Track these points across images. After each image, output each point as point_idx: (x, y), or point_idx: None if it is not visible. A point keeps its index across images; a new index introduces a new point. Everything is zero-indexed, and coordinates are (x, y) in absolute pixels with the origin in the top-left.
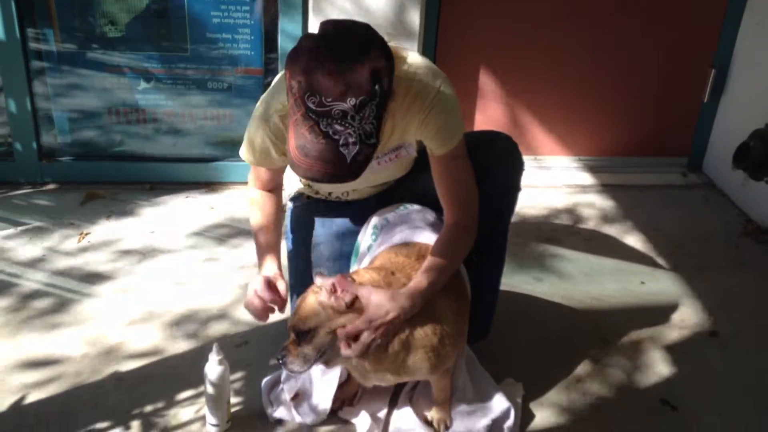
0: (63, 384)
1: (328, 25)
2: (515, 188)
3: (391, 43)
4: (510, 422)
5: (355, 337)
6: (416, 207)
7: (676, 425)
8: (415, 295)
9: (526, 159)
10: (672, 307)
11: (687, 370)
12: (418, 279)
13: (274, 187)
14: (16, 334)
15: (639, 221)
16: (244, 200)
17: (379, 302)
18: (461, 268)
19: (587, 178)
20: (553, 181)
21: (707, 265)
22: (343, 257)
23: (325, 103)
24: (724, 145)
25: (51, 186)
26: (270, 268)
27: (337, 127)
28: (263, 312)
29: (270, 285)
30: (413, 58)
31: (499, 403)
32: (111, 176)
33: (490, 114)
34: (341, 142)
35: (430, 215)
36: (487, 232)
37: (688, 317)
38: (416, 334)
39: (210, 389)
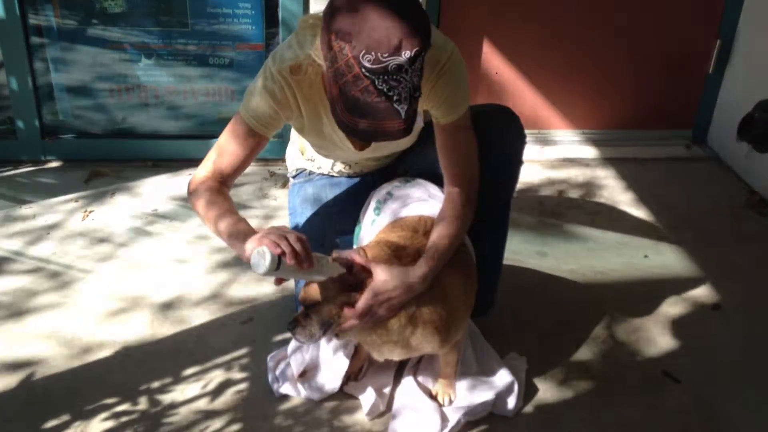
0: (71, 360)
1: None
2: (517, 161)
3: None
4: (514, 396)
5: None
6: (419, 180)
7: (679, 398)
8: (425, 273)
9: (529, 133)
10: (675, 281)
11: (690, 344)
12: (426, 256)
13: (230, 181)
14: (22, 311)
15: (643, 195)
16: (189, 189)
17: (387, 278)
18: (467, 240)
19: (591, 152)
20: (557, 155)
21: (711, 239)
22: (347, 231)
23: (382, 59)
24: (728, 117)
25: (54, 164)
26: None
27: (393, 83)
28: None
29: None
30: None
31: (502, 377)
32: (114, 154)
33: (492, 88)
34: (395, 98)
35: (433, 188)
36: (490, 204)
37: (691, 291)
38: (424, 310)
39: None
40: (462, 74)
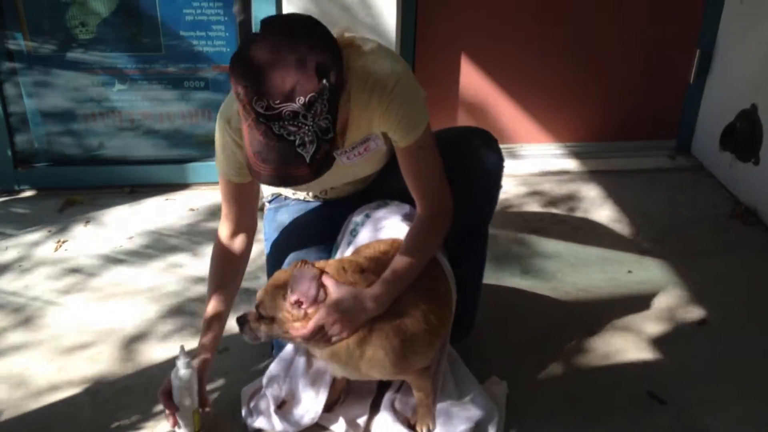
0: (38, 398)
1: (267, 24)
2: (496, 186)
3: (348, 34)
4: (494, 424)
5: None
6: (397, 203)
7: (666, 420)
8: (379, 294)
9: (510, 148)
10: (659, 296)
11: (676, 361)
12: (384, 277)
13: (246, 226)
14: None
15: (626, 207)
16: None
17: (340, 298)
18: (446, 267)
19: (573, 165)
20: (538, 169)
21: (696, 250)
22: (324, 257)
23: (274, 106)
24: (711, 127)
25: (28, 193)
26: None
27: (291, 128)
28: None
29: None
30: (370, 46)
31: (482, 404)
32: (89, 181)
33: (470, 104)
34: (297, 142)
35: (409, 210)
36: (468, 230)
37: (675, 306)
38: (374, 334)
39: (176, 395)
40: (414, 94)
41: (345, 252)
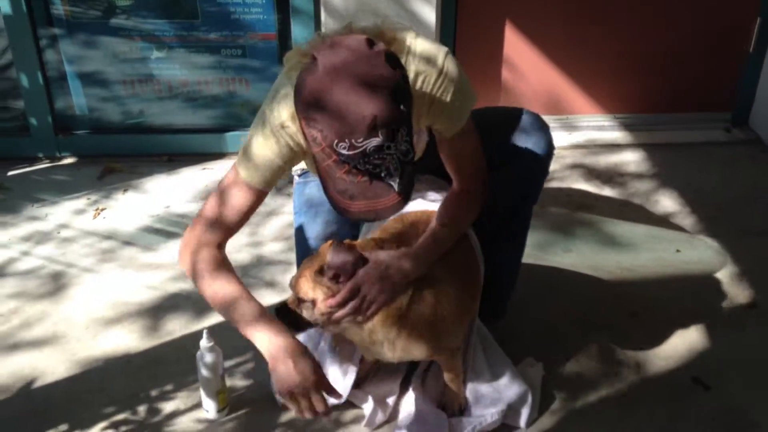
0: (72, 367)
1: (325, 56)
2: (543, 173)
3: (387, 28)
4: (527, 407)
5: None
6: (428, 176)
7: (709, 407)
8: (418, 255)
9: (556, 119)
10: (708, 277)
11: (722, 346)
12: (421, 241)
13: (228, 239)
14: (27, 313)
15: (677, 183)
16: (186, 265)
17: (378, 259)
18: (475, 243)
19: (623, 138)
20: (587, 142)
21: (749, 230)
22: (350, 234)
23: (357, 145)
24: None
25: (69, 160)
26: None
27: (376, 161)
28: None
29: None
30: (411, 40)
31: (515, 386)
32: (128, 149)
33: (518, 75)
34: (383, 173)
35: (440, 184)
36: (510, 215)
37: (725, 288)
38: (412, 313)
39: (201, 376)
40: (460, 83)
41: (373, 225)
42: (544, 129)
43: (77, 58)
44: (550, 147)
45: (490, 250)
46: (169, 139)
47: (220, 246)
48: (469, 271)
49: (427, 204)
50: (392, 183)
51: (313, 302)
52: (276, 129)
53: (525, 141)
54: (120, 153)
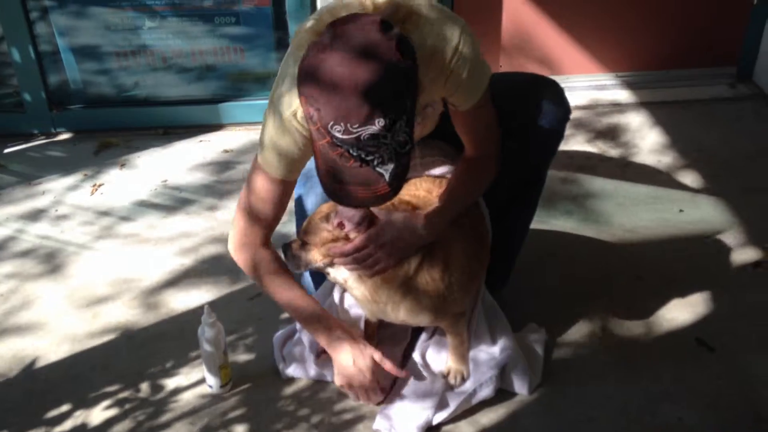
0: (73, 345)
1: (337, 33)
2: (558, 138)
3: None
4: (519, 372)
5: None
6: (438, 142)
7: (713, 368)
8: (432, 222)
9: (560, 79)
10: (712, 237)
11: (727, 307)
12: (436, 207)
13: (271, 232)
14: (26, 292)
15: (680, 141)
16: (242, 267)
17: (391, 220)
18: (484, 210)
19: (623, 96)
20: (586, 102)
21: (754, 188)
22: None
23: (352, 130)
24: None
25: (64, 136)
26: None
27: (370, 149)
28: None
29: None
30: (426, 12)
31: (507, 350)
32: (124, 122)
33: (517, 34)
34: (376, 162)
35: (451, 153)
36: (524, 181)
37: (730, 248)
38: (420, 277)
39: (203, 351)
40: (475, 57)
41: None
42: (559, 94)
43: (69, 30)
44: (566, 112)
45: (502, 216)
46: (165, 111)
47: (266, 242)
48: (479, 239)
49: (440, 169)
50: (383, 172)
51: (315, 245)
52: (288, 119)
53: (540, 107)
54: (115, 127)
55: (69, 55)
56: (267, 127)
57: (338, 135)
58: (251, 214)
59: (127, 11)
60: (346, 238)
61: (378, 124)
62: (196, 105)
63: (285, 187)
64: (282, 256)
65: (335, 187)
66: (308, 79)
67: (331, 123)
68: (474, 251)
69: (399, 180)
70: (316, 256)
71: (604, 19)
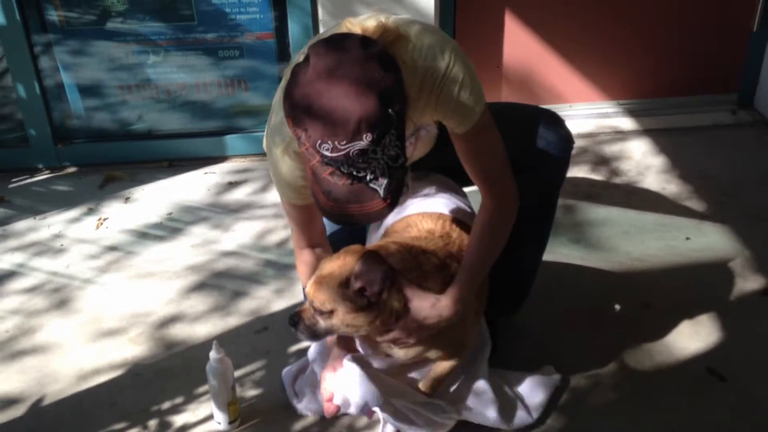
0: (80, 382)
1: (317, 53)
2: (564, 170)
3: (391, 21)
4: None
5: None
6: (437, 175)
7: (725, 398)
8: (458, 302)
9: (559, 108)
10: (720, 265)
11: (737, 336)
12: (460, 282)
13: (323, 240)
14: (31, 328)
15: (684, 168)
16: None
17: (419, 307)
18: None
19: (626, 124)
20: (589, 130)
21: (760, 214)
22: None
23: (340, 147)
24: None
25: (70, 170)
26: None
27: (361, 165)
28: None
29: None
30: (416, 32)
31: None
32: (129, 156)
33: (515, 63)
34: (368, 177)
35: (451, 184)
36: (534, 215)
37: (738, 275)
38: (438, 341)
39: (211, 387)
40: (468, 77)
41: (384, 222)
42: (561, 125)
43: (73, 65)
44: (569, 142)
45: (513, 247)
46: (170, 144)
47: (310, 244)
48: (485, 287)
49: (440, 204)
50: (377, 187)
51: (332, 312)
52: (287, 146)
53: (543, 139)
54: (120, 160)
55: (73, 90)
56: (269, 160)
57: (327, 153)
58: (295, 230)
59: (131, 45)
60: (369, 306)
61: (366, 139)
62: (200, 137)
63: (308, 208)
64: (292, 327)
65: (332, 207)
66: (293, 101)
67: (319, 142)
68: (481, 302)
69: (394, 195)
70: (338, 326)
71: (605, 48)
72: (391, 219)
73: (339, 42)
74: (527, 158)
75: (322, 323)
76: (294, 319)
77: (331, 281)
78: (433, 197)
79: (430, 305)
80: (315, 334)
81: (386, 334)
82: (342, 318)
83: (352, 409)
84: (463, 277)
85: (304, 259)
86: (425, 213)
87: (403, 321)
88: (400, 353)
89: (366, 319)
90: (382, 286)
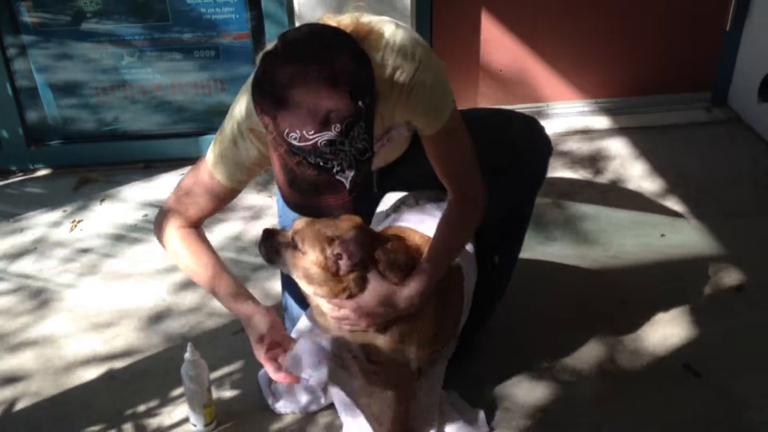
0: (55, 385)
1: (288, 43)
2: (541, 179)
3: (364, 18)
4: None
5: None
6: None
7: (701, 393)
8: (413, 296)
9: (536, 107)
10: (695, 261)
11: (712, 331)
12: (420, 274)
13: (201, 222)
14: (6, 333)
15: (659, 166)
16: (165, 243)
17: (376, 293)
18: (470, 251)
19: (602, 123)
20: (567, 128)
21: (734, 211)
22: None
23: (308, 137)
24: (750, 77)
25: (43, 172)
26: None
27: (328, 156)
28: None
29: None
30: (389, 30)
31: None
32: (103, 157)
33: (496, 63)
34: (335, 169)
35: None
36: (510, 222)
37: (712, 271)
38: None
39: (187, 390)
40: (438, 78)
41: (376, 220)
42: (540, 131)
43: (47, 66)
44: (548, 148)
45: (490, 252)
46: (145, 145)
47: (191, 224)
48: (454, 294)
49: (426, 226)
50: (343, 179)
51: (302, 253)
52: (244, 132)
53: (522, 145)
54: (95, 162)
55: (47, 91)
56: (223, 132)
57: (295, 143)
58: (185, 201)
59: (106, 46)
60: (336, 273)
61: (334, 130)
62: (176, 138)
63: (228, 192)
64: (261, 238)
65: (296, 197)
66: (261, 88)
67: (287, 131)
68: (454, 309)
69: (359, 190)
70: (297, 267)
71: (581, 47)
72: (387, 222)
73: (311, 32)
74: (506, 163)
75: (287, 255)
76: (268, 232)
77: (322, 231)
78: (431, 221)
79: (387, 293)
80: (272, 258)
81: (338, 311)
82: (305, 264)
83: (305, 371)
84: (422, 272)
85: (194, 236)
86: (418, 231)
87: (356, 302)
88: (347, 334)
89: (322, 278)
90: (354, 265)
